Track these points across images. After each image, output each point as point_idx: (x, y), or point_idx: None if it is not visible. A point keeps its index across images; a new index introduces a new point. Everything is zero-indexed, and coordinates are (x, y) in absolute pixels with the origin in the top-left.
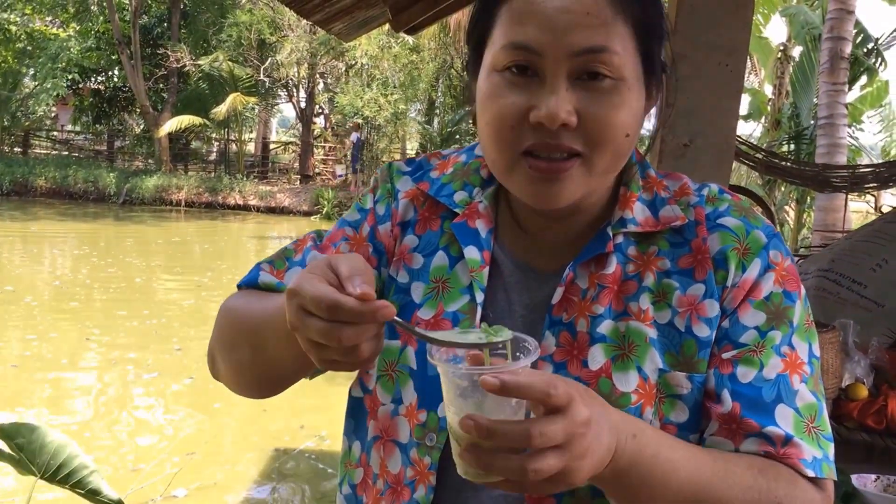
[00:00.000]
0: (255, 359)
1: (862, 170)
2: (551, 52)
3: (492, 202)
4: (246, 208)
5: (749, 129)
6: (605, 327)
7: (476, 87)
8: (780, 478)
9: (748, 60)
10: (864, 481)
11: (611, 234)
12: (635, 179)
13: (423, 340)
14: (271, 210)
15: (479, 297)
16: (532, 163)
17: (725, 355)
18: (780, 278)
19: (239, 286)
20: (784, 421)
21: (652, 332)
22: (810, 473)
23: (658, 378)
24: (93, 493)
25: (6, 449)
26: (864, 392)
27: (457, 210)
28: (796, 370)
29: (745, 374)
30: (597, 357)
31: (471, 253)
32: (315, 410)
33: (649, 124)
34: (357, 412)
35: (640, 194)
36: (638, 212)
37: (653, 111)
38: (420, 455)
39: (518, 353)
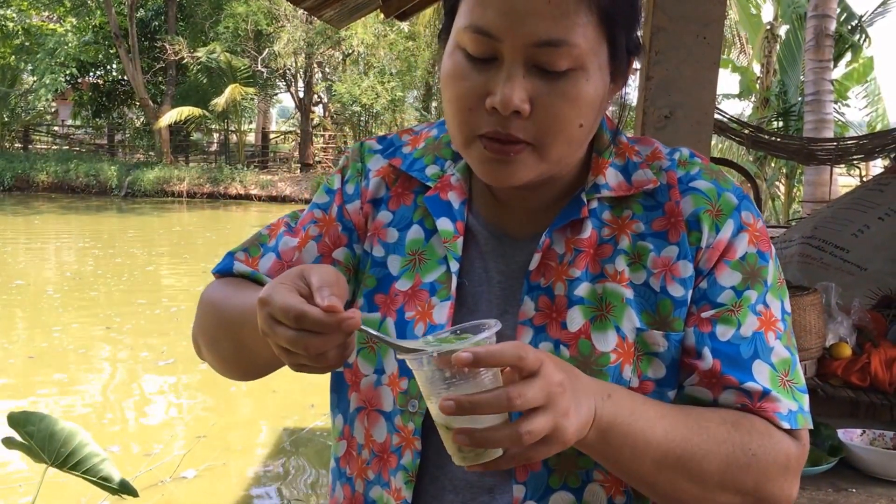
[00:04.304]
0: (236, 353)
1: (846, 142)
2: (510, 40)
3: (464, 174)
4: (247, 197)
5: (740, 108)
6: (582, 290)
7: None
8: (754, 430)
9: (737, 39)
10: (851, 435)
11: (585, 199)
12: (608, 147)
13: (392, 349)
14: (273, 199)
15: (454, 266)
16: (486, 143)
17: (704, 314)
18: (753, 238)
19: (214, 273)
20: (761, 376)
21: (628, 293)
22: (786, 426)
23: (636, 337)
24: (104, 480)
25: (17, 437)
26: (847, 351)
27: (429, 184)
28: (771, 327)
29: (724, 332)
30: (575, 319)
31: (443, 224)
32: (326, 389)
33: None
34: (339, 386)
35: (612, 160)
36: (611, 177)
37: (634, 83)
38: (404, 421)
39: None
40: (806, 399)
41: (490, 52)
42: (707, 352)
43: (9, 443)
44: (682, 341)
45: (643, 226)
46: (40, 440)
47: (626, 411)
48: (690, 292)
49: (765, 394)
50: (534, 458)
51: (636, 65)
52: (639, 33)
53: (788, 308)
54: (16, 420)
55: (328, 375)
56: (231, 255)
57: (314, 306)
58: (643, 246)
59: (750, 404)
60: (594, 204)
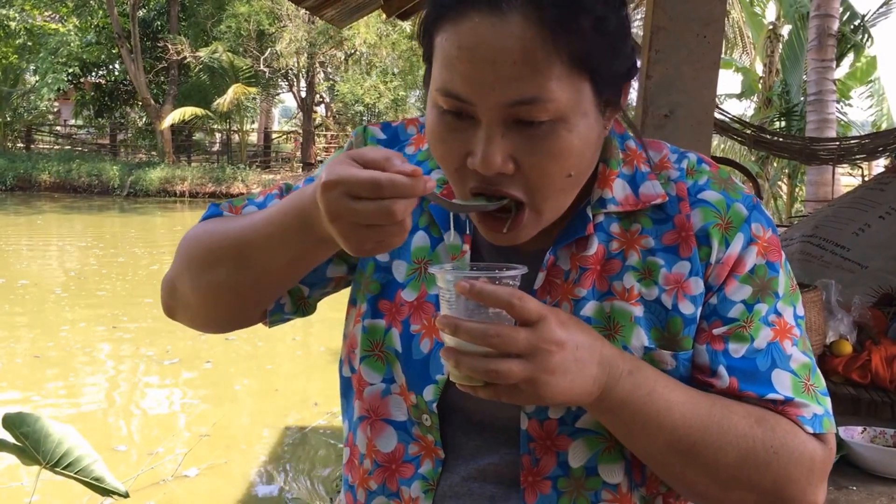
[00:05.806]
0: (236, 274)
1: (848, 142)
2: (482, 104)
3: None
4: None
5: (742, 108)
6: (589, 309)
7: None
8: (779, 428)
9: (740, 39)
10: (852, 433)
11: (590, 214)
12: (615, 155)
13: (451, 210)
14: None
15: None
16: (481, 216)
17: (716, 331)
18: (762, 250)
19: (201, 220)
20: (781, 385)
21: (637, 311)
22: (810, 430)
23: (644, 356)
24: (97, 481)
25: (11, 440)
26: (848, 348)
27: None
28: (786, 335)
29: (737, 349)
30: None
31: (451, 238)
32: (328, 388)
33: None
34: (346, 392)
35: (619, 170)
36: (618, 190)
37: (634, 84)
38: (423, 432)
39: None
40: (828, 402)
41: (466, 112)
42: (722, 370)
43: (2, 446)
44: (695, 359)
45: (653, 241)
46: (34, 441)
47: (643, 390)
48: (700, 309)
49: (787, 401)
50: (505, 400)
51: (635, 66)
52: (637, 39)
53: (802, 312)
54: (10, 421)
55: (336, 377)
56: (216, 205)
57: (395, 173)
58: (654, 262)
59: (774, 409)
60: (601, 218)
